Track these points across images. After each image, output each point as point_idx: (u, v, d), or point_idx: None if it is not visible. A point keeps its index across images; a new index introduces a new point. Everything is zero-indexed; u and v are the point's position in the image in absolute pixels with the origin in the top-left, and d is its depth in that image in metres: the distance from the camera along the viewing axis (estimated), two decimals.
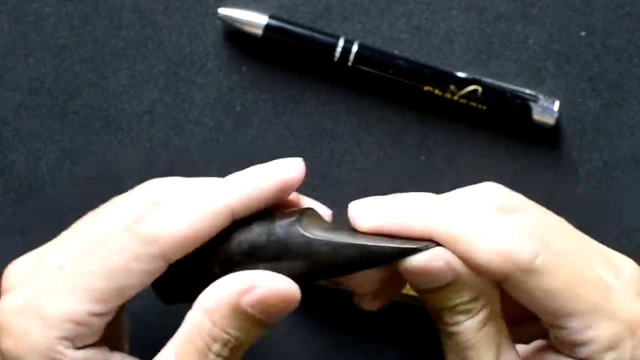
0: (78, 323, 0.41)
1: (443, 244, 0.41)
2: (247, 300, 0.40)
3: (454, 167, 0.54)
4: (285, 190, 0.42)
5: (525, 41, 0.54)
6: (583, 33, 0.55)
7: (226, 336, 0.40)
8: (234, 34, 0.54)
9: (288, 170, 0.42)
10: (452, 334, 0.42)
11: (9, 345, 0.41)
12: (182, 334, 0.41)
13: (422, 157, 0.54)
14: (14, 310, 0.41)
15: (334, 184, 0.53)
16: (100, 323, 0.41)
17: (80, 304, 0.40)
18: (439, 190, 0.53)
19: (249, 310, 0.40)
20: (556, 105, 0.53)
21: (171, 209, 0.41)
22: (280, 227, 0.41)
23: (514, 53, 0.54)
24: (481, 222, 0.41)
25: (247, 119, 0.54)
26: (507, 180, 0.54)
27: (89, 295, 0.40)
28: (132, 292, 0.41)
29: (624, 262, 0.45)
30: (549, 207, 0.54)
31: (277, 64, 0.54)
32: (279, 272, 0.40)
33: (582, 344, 0.42)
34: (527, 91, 0.53)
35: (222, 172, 0.53)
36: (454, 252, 0.41)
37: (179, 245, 0.40)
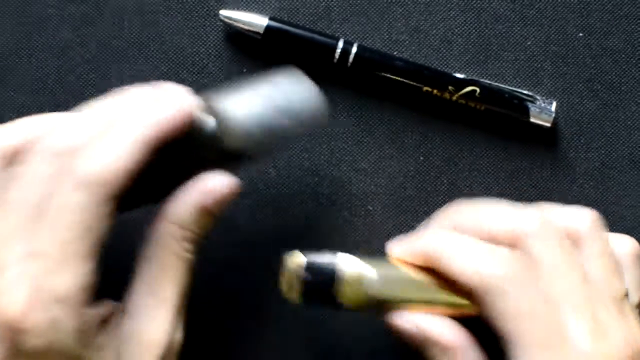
0: (87, 287, 0.42)
1: (431, 263, 0.46)
2: (211, 202, 0.45)
3: (452, 167, 0.54)
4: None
5: (523, 42, 0.55)
6: (581, 34, 0.55)
7: (194, 236, 0.45)
8: (235, 35, 0.54)
9: (184, 100, 0.46)
10: None
11: (43, 340, 0.41)
12: (155, 246, 0.45)
13: (421, 157, 0.54)
14: (22, 311, 0.41)
15: (334, 184, 0.54)
16: (95, 277, 0.42)
17: (79, 271, 0.41)
18: (437, 191, 0.54)
19: (213, 209, 0.45)
20: (554, 106, 0.53)
21: (99, 148, 0.42)
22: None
23: (512, 54, 0.55)
24: (463, 245, 0.46)
25: None
26: (505, 181, 0.54)
27: (81, 260, 0.41)
28: (106, 233, 0.42)
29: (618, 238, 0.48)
30: None
31: (277, 65, 0.54)
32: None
33: None
34: (525, 92, 0.53)
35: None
36: (441, 269, 0.46)
37: (125, 180, 0.42)
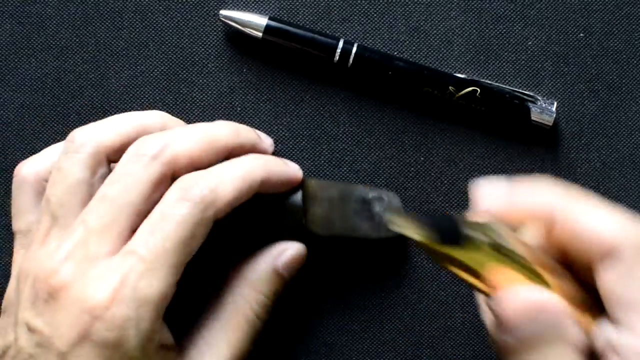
0: (169, 297, 0.43)
1: (563, 222, 0.40)
2: (281, 266, 0.48)
3: (453, 167, 0.54)
4: (289, 184, 0.50)
5: (523, 42, 0.55)
6: (581, 34, 0.55)
7: (266, 300, 0.47)
8: (235, 35, 0.54)
9: (298, 172, 0.50)
10: None
11: (116, 334, 0.42)
12: (229, 306, 0.47)
13: (421, 158, 0.54)
14: (105, 301, 0.42)
15: None
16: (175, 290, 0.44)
17: (168, 279, 0.43)
18: (437, 191, 0.54)
19: (284, 273, 0.48)
20: (554, 106, 0.53)
21: (219, 175, 0.45)
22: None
23: (513, 54, 0.54)
24: (598, 204, 0.41)
25: (248, 120, 0.54)
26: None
27: (171, 270, 0.43)
28: (195, 252, 0.44)
29: None
30: None
31: (277, 65, 0.54)
32: None
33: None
34: (526, 92, 0.53)
35: None
36: (572, 227, 0.40)
37: (228, 208, 0.45)
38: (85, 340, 0.42)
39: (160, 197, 0.45)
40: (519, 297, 0.39)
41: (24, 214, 0.48)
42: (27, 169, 0.48)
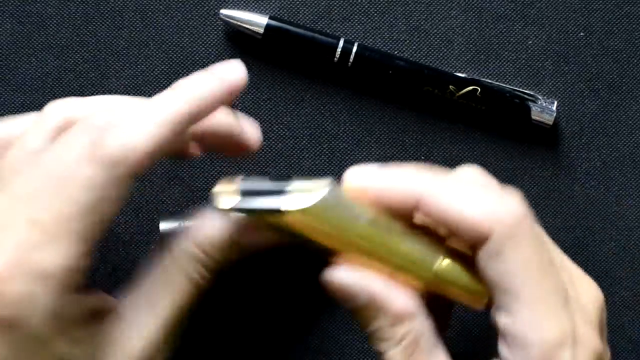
0: (77, 269, 0.39)
1: (428, 204, 0.40)
2: (240, 234, 0.43)
3: (453, 166, 0.54)
4: (232, 94, 0.42)
5: (524, 42, 0.55)
6: (582, 34, 0.55)
7: (213, 263, 0.43)
8: (235, 35, 0.54)
9: (233, 74, 0.42)
10: None
11: (11, 312, 0.38)
12: (171, 261, 0.43)
13: (422, 157, 0.54)
14: (1, 273, 0.38)
15: None
16: (88, 262, 0.40)
17: (72, 250, 0.39)
18: None
19: (241, 242, 0.43)
20: (555, 106, 0.53)
21: (126, 126, 0.39)
22: None
23: (513, 53, 0.54)
24: (467, 185, 0.41)
25: None
26: (506, 180, 0.54)
27: (76, 238, 0.39)
28: (111, 218, 0.40)
29: (586, 283, 0.43)
30: (547, 207, 0.54)
31: (277, 65, 0.54)
32: None
33: (520, 343, 0.39)
34: (526, 91, 0.53)
35: (223, 172, 0.53)
36: (439, 210, 0.40)
37: (147, 161, 0.39)
38: None
39: None
40: (327, 276, 0.41)
41: None
42: None
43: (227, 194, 0.42)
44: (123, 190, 0.39)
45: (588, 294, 0.42)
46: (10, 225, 0.39)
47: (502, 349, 0.40)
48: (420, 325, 0.41)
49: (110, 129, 0.39)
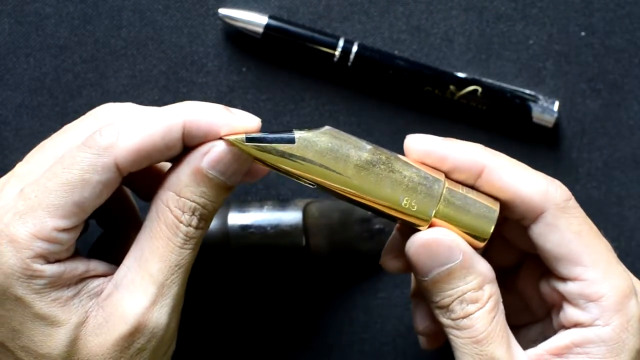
0: (48, 240, 0.41)
1: (491, 176, 0.43)
2: (205, 164, 0.42)
3: None
4: (233, 131, 0.43)
5: (525, 41, 0.54)
6: (583, 33, 0.55)
7: (193, 204, 0.42)
8: (234, 34, 0.54)
9: (244, 118, 0.43)
10: (462, 328, 0.43)
11: None
12: (151, 215, 0.43)
13: None
14: None
15: None
16: (68, 238, 0.42)
17: (46, 221, 0.41)
18: None
19: (209, 173, 0.42)
20: (556, 106, 0.53)
21: (124, 124, 0.42)
22: None
23: (514, 53, 0.54)
24: (523, 165, 0.44)
25: None
26: None
27: (52, 212, 0.41)
28: (92, 205, 0.42)
29: None
30: None
31: (277, 64, 0.54)
32: None
33: (593, 298, 0.43)
34: (527, 91, 0.53)
35: None
36: (500, 183, 0.43)
37: (132, 155, 0.41)
38: None
39: None
40: (416, 238, 0.43)
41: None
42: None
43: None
44: (105, 176, 0.41)
45: None
46: (6, 194, 0.43)
47: (572, 314, 0.43)
48: (497, 289, 0.43)
49: (108, 124, 0.42)
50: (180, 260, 0.43)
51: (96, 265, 0.43)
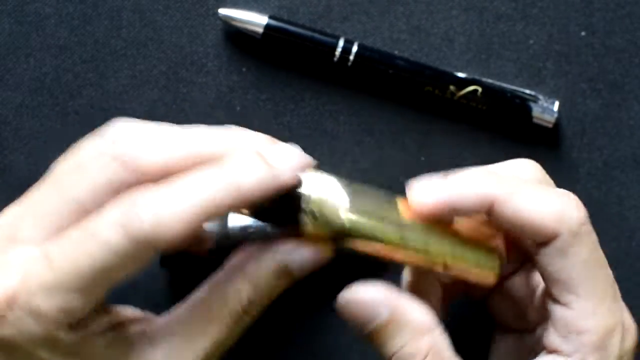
0: (74, 313, 0.39)
1: (502, 207, 0.42)
2: (296, 268, 0.41)
3: (454, 167, 0.54)
4: (284, 188, 0.41)
5: (525, 41, 0.54)
6: (583, 33, 0.55)
7: (262, 299, 0.41)
8: (234, 34, 0.54)
9: (293, 167, 0.41)
10: None
11: (5, 334, 0.40)
12: (212, 295, 0.41)
13: (422, 158, 0.54)
14: (1, 303, 0.39)
15: None
16: (97, 307, 0.40)
17: (74, 299, 0.39)
18: None
19: (292, 272, 0.41)
20: (556, 106, 0.53)
21: (163, 203, 0.38)
22: None
23: (514, 53, 0.54)
24: (537, 187, 0.43)
25: (247, 119, 0.54)
26: None
27: (82, 291, 0.39)
28: (124, 279, 0.40)
29: None
30: None
31: (277, 64, 0.54)
32: None
33: (576, 331, 0.42)
34: (527, 91, 0.53)
35: None
36: (511, 212, 0.42)
37: (172, 242, 0.38)
38: None
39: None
40: (340, 298, 0.41)
41: None
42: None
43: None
44: (142, 263, 0.39)
45: None
46: (32, 242, 0.40)
47: (555, 339, 0.42)
48: (441, 337, 0.42)
49: (149, 202, 0.39)
50: (227, 341, 0.42)
51: (125, 311, 0.42)
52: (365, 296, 0.41)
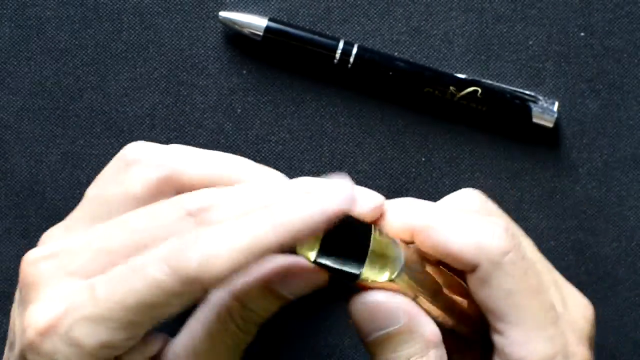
0: (115, 348, 0.40)
1: (421, 237, 0.42)
2: (278, 282, 0.41)
3: (454, 168, 0.54)
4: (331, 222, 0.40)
5: (524, 42, 0.54)
6: (582, 34, 0.55)
7: (256, 317, 0.42)
8: (234, 37, 0.54)
9: (339, 200, 0.39)
10: None
11: None
12: (213, 318, 0.41)
13: (423, 159, 0.54)
14: (42, 329, 0.39)
15: None
16: (138, 340, 0.40)
17: (117, 334, 0.39)
18: (439, 192, 0.54)
19: (280, 290, 0.41)
20: (556, 106, 0.53)
21: (210, 244, 0.38)
22: None
23: (514, 54, 0.54)
24: (458, 217, 0.42)
25: (248, 121, 0.54)
26: (507, 181, 0.54)
27: (126, 326, 0.39)
28: (166, 317, 0.40)
29: (578, 299, 0.45)
30: (549, 208, 0.54)
31: (277, 67, 0.54)
32: None
33: (512, 358, 0.41)
34: (527, 92, 0.53)
35: None
36: (430, 243, 0.41)
37: (217, 283, 0.39)
38: (24, 353, 0.40)
39: None
40: (359, 299, 0.41)
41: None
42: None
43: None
44: (188, 301, 0.39)
45: (579, 309, 0.45)
46: (78, 275, 0.40)
47: None
48: (444, 353, 0.42)
49: (196, 241, 0.39)
50: (228, 355, 0.42)
51: (157, 340, 0.42)
52: (385, 300, 0.41)
